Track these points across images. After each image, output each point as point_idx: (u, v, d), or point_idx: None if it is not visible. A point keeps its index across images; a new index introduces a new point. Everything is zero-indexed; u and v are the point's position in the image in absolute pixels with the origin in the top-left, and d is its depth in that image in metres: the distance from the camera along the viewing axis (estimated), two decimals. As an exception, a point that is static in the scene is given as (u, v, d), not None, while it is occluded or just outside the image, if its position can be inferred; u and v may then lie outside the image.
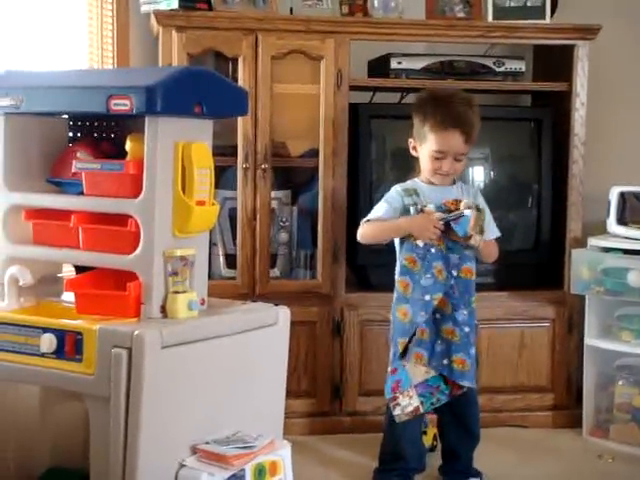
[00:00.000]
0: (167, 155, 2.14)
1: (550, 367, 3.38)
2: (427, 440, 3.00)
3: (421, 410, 2.64)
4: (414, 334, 2.64)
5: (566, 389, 3.40)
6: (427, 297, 2.63)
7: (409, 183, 2.76)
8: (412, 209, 2.66)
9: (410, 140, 2.75)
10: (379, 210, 2.72)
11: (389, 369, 2.68)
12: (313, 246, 3.27)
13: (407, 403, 2.63)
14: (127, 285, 2.14)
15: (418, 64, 3.30)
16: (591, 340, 3.30)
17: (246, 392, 2.27)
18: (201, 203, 2.21)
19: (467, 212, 2.59)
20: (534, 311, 3.36)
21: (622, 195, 3.29)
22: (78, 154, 2.33)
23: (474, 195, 2.78)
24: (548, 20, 3.36)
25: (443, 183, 2.72)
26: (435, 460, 2.90)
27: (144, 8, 3.17)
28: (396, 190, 2.74)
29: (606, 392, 3.29)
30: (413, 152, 2.75)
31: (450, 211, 2.62)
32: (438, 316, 2.66)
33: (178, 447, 2.10)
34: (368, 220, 2.73)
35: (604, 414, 3.29)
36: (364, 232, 2.73)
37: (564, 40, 3.33)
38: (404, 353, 2.64)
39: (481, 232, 2.61)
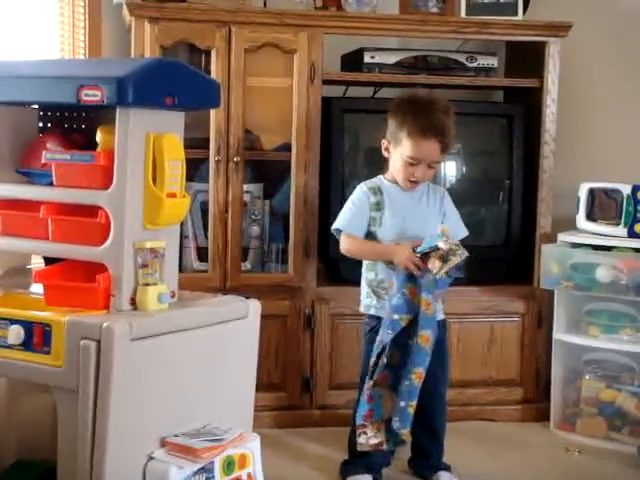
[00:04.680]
0: (138, 147, 2.13)
1: (519, 361, 3.41)
2: (396, 433, 3.01)
3: (384, 447, 2.62)
4: (382, 352, 2.59)
5: (535, 383, 3.43)
6: (395, 316, 2.58)
7: (375, 180, 2.77)
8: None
9: (383, 141, 2.74)
10: (347, 214, 2.72)
11: (366, 394, 2.60)
12: (285, 240, 3.27)
13: (373, 435, 2.60)
14: (96, 277, 2.12)
15: (391, 59, 3.31)
16: (560, 335, 3.33)
17: (216, 385, 2.27)
18: (172, 195, 2.20)
19: (441, 244, 2.54)
20: (504, 306, 3.39)
21: (591, 191, 3.32)
22: (48, 145, 2.31)
23: (441, 197, 2.78)
24: (520, 17, 3.38)
25: (409, 189, 2.73)
26: (405, 453, 2.91)
27: (117, -1, 3.16)
28: (362, 190, 2.74)
29: (573, 386, 3.32)
30: (385, 153, 2.74)
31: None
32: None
33: (147, 440, 2.09)
34: (339, 230, 2.72)
35: (571, 408, 3.32)
36: (348, 249, 2.72)
37: (536, 37, 3.35)
38: (373, 373, 2.60)
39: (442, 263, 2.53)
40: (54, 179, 2.23)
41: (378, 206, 2.71)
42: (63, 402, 2.04)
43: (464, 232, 2.80)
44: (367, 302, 2.77)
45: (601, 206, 3.32)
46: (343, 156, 3.28)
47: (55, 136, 2.37)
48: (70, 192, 2.20)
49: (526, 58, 3.49)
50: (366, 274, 2.77)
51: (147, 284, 2.15)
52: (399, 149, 2.67)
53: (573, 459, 3.08)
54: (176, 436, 2.13)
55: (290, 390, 3.27)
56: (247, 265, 3.26)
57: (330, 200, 3.23)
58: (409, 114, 2.64)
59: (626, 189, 3.22)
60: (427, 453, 2.84)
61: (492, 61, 3.39)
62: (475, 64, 3.36)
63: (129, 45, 3.11)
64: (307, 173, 3.20)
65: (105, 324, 1.98)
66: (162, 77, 2.17)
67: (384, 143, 2.74)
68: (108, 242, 2.13)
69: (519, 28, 3.35)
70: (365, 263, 2.77)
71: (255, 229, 3.26)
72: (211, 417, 2.24)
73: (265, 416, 3.14)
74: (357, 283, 2.85)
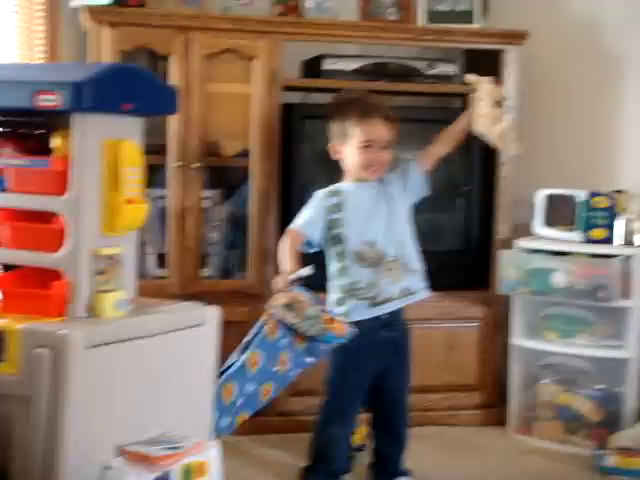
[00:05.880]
0: (95, 152, 2.11)
1: (478, 366, 3.44)
2: (356, 439, 3.02)
3: None
4: None
5: (493, 388, 3.46)
6: None
7: (335, 185, 2.77)
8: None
9: (331, 144, 2.75)
10: (302, 216, 2.70)
11: None
12: (244, 246, 3.27)
13: None
14: (52, 284, 2.10)
15: (351, 65, 3.32)
16: (517, 339, 3.36)
17: (174, 392, 2.26)
18: (130, 201, 2.19)
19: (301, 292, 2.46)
20: (462, 311, 3.42)
21: (548, 197, 3.37)
22: (3, 150, 2.28)
23: (400, 171, 2.77)
24: (478, 25, 3.42)
25: (374, 177, 2.73)
26: (364, 459, 2.92)
27: (74, 3, 3.13)
28: (318, 194, 2.74)
29: (531, 390, 3.35)
30: (336, 156, 2.75)
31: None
32: None
33: (103, 449, 2.07)
34: (292, 229, 2.67)
35: (529, 412, 3.35)
36: (280, 246, 2.65)
37: (493, 45, 3.39)
38: None
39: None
40: (9, 185, 2.20)
41: (338, 207, 2.70)
42: (18, 411, 2.00)
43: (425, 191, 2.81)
44: (340, 310, 2.67)
45: (557, 212, 3.36)
46: (303, 162, 3.28)
47: (10, 141, 2.33)
48: (25, 198, 2.17)
49: (485, 65, 3.51)
50: (337, 281, 2.71)
51: (104, 291, 2.14)
52: (350, 142, 2.69)
53: (530, 462, 3.11)
54: (133, 444, 2.11)
55: (250, 397, 3.25)
56: (207, 271, 3.25)
57: (290, 207, 3.22)
58: (347, 107, 2.71)
59: (581, 195, 3.27)
60: (387, 458, 2.84)
61: (451, 68, 3.42)
62: (434, 71, 3.39)
63: (87, 50, 3.08)
64: (267, 179, 3.20)
65: (60, 331, 1.96)
66: (119, 83, 2.16)
67: (332, 147, 2.75)
68: (64, 249, 2.11)
69: (477, 36, 3.39)
70: (333, 270, 2.74)
71: (214, 235, 3.25)
72: (169, 425, 2.23)
73: (225, 423, 3.12)
74: (318, 289, 2.85)
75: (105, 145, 2.13)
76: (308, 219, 2.69)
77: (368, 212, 2.70)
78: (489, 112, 2.69)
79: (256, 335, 2.49)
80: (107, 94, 2.11)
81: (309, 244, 2.68)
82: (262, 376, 2.50)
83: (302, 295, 2.47)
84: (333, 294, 2.74)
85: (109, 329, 2.08)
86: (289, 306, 2.44)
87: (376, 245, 2.68)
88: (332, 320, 2.48)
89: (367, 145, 2.68)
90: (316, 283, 2.84)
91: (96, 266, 2.13)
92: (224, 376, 2.46)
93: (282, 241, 2.65)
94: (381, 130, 2.68)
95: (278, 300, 2.45)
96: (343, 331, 2.49)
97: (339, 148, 2.73)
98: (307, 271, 2.50)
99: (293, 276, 2.49)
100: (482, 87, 2.72)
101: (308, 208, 2.72)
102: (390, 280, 2.69)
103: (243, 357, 2.47)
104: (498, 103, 2.71)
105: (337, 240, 2.70)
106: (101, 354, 2.03)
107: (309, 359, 2.54)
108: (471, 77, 2.77)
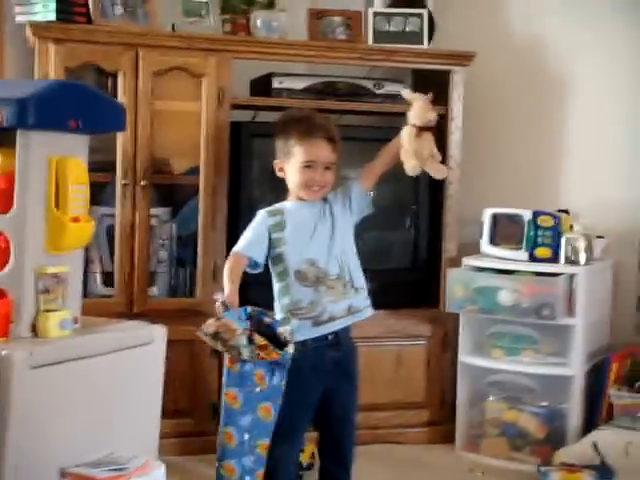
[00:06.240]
0: (40, 170, 2.10)
1: (425, 384, 3.46)
2: (305, 458, 3.01)
3: None
4: None
5: (440, 405, 3.49)
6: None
7: (277, 205, 2.76)
8: None
9: (275, 162, 2.75)
10: (244, 238, 2.67)
11: None
12: (193, 264, 3.25)
13: None
14: (-5, 303, 2.07)
15: (300, 84, 3.34)
16: (464, 357, 3.39)
17: (120, 412, 2.24)
18: (76, 219, 2.17)
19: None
20: (410, 329, 3.43)
21: (494, 216, 3.41)
22: (-55, 167, 2.25)
23: (334, 195, 2.73)
24: (426, 45, 3.46)
25: (315, 197, 2.73)
26: (313, 478, 2.91)
27: (19, 18, 3.09)
28: (260, 214, 2.72)
29: (478, 408, 3.38)
30: (280, 174, 2.75)
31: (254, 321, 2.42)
32: None
33: (47, 471, 2.04)
34: (235, 252, 2.63)
35: (476, 429, 3.38)
36: (225, 267, 2.61)
37: (440, 65, 3.44)
38: None
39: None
40: (-49, 202, 2.16)
41: (279, 226, 2.68)
42: (-42, 433, 1.97)
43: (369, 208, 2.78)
44: (287, 330, 2.58)
45: (504, 231, 3.40)
46: (252, 180, 3.28)
47: (-47, 158, 2.30)
48: (-33, 216, 2.14)
49: (433, 86, 3.53)
50: (280, 301, 2.68)
51: (49, 310, 2.11)
52: (292, 161, 2.68)
53: (476, 479, 3.14)
54: (77, 466, 2.08)
55: (197, 416, 3.23)
56: (154, 290, 3.22)
57: (238, 224, 3.21)
58: (292, 126, 2.69)
59: (527, 214, 3.32)
60: (334, 477, 2.81)
61: (399, 88, 3.43)
62: (382, 90, 3.43)
63: (33, 66, 3.05)
64: (215, 197, 3.19)
65: (3, 352, 1.93)
66: (65, 100, 2.15)
67: (276, 164, 2.74)
68: (8, 267, 2.09)
69: (424, 56, 3.44)
70: (276, 290, 2.73)
71: (162, 253, 3.23)
72: (115, 445, 2.20)
73: (171, 443, 3.08)
74: (266, 307, 2.84)
75: (50, 162, 2.11)
76: (250, 240, 2.67)
77: (310, 231, 2.69)
78: (411, 140, 2.65)
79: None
80: (52, 111, 2.09)
81: (255, 265, 2.67)
82: (251, 404, 2.43)
83: (232, 323, 2.35)
84: (278, 314, 2.72)
85: (54, 349, 2.06)
86: (215, 335, 2.34)
87: (317, 264, 2.67)
88: (265, 347, 2.42)
89: (308, 165, 2.67)
90: (265, 303, 2.85)
91: (41, 285, 2.11)
92: (220, 424, 2.39)
93: (225, 265, 2.63)
94: (324, 151, 2.67)
95: (206, 328, 2.36)
96: (276, 357, 2.44)
97: (282, 166, 2.73)
98: (222, 297, 2.44)
99: (219, 302, 2.39)
100: (415, 105, 2.70)
101: (250, 229, 2.70)
102: (333, 299, 2.68)
103: (223, 401, 2.42)
104: (425, 128, 2.66)
105: (279, 259, 2.68)
106: (45, 374, 2.00)
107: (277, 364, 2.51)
108: (407, 93, 2.76)
